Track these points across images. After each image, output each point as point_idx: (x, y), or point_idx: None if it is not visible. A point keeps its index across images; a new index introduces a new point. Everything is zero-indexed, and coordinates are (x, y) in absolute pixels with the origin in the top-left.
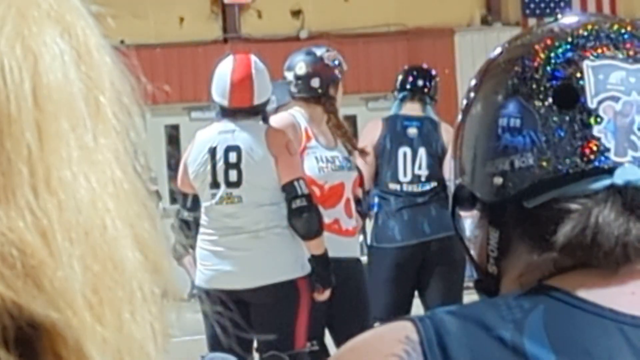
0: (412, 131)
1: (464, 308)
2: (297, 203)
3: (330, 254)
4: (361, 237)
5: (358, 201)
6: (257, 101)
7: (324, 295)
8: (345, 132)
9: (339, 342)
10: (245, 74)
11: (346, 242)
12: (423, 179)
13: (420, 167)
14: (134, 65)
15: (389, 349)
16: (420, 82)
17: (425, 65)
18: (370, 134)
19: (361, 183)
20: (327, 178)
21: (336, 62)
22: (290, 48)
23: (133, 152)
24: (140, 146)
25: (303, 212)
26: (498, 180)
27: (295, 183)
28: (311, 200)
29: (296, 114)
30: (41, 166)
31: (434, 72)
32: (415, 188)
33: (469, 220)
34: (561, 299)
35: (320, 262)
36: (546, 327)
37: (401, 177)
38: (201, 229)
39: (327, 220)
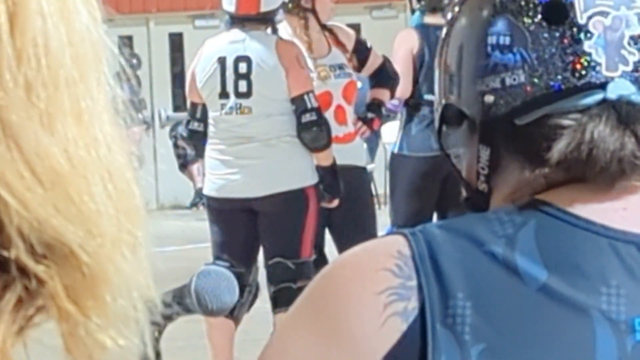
0: None
1: (456, 222)
2: (307, 117)
3: None
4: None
5: (375, 107)
6: (264, 8)
7: (332, 204)
8: (334, 37)
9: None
10: None
11: (337, 149)
12: None
13: None
14: None
15: (381, 263)
16: None
17: None
18: (406, 43)
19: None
20: None
21: None
22: None
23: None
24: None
25: (313, 125)
26: (489, 99)
27: (305, 96)
28: (320, 114)
29: (280, 28)
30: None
31: None
32: None
33: (455, 137)
34: (553, 214)
35: (329, 172)
36: (538, 242)
37: None
38: (209, 139)
39: None
